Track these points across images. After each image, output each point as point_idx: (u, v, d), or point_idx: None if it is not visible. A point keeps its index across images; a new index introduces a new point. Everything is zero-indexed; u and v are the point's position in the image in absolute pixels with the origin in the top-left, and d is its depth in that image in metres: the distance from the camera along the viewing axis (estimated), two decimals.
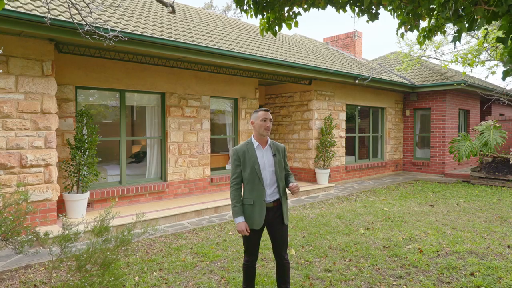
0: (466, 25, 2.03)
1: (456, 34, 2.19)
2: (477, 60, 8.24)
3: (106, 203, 6.82)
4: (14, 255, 4.72)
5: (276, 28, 3.40)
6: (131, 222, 2.47)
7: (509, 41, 1.89)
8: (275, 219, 3.10)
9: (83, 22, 3.90)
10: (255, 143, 3.12)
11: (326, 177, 9.88)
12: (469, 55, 8.28)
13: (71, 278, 1.98)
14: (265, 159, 3.09)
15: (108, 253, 2.07)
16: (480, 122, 12.21)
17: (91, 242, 2.10)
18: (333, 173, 10.62)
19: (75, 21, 4.26)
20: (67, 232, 2.10)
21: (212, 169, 8.75)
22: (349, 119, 11.66)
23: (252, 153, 3.08)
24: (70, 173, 6.04)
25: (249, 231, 3.04)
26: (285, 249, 3.18)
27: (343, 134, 10.98)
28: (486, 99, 14.45)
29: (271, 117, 3.10)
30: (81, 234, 2.19)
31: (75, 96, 6.50)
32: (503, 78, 1.96)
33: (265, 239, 5.09)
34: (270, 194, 3.08)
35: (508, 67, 1.91)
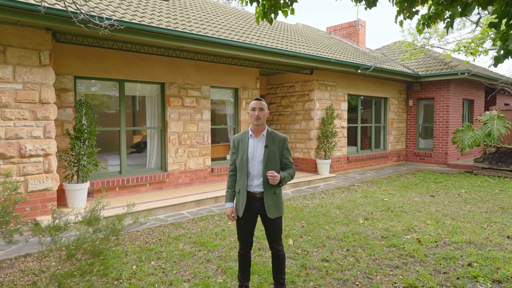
0: (459, 10, 1.96)
1: (448, 20, 2.12)
2: (480, 49, 8.08)
3: (107, 193, 6.85)
4: (14, 244, 4.76)
5: (272, 15, 3.33)
6: (123, 213, 2.47)
7: (503, 25, 1.82)
8: (262, 211, 3.10)
9: (78, 11, 3.85)
10: (249, 133, 3.12)
11: (327, 167, 9.85)
12: (472, 44, 8.12)
13: (60, 267, 1.99)
14: (255, 150, 3.07)
15: (97, 242, 2.08)
16: (484, 112, 12.07)
17: (81, 232, 2.11)
18: (335, 163, 10.59)
19: (70, 9, 4.21)
20: (57, 221, 2.11)
21: (212, 159, 8.75)
22: (351, 109, 11.57)
23: (245, 142, 3.11)
24: (70, 163, 6.06)
25: (235, 217, 3.13)
26: (278, 241, 3.17)
27: (345, 124, 10.91)
28: (490, 88, 14.26)
29: (262, 106, 3.03)
30: (71, 223, 2.20)
31: (74, 86, 6.48)
32: (495, 65, 1.89)
33: (263, 228, 5.10)
34: (258, 185, 3.07)
35: (500, 54, 1.85)
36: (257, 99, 3.06)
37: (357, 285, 3.59)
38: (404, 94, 13.24)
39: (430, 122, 12.87)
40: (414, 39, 11.85)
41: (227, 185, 3.20)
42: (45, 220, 5.21)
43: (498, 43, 1.86)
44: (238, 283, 3.32)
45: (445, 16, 3.56)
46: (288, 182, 8.53)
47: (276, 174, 2.95)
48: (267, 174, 2.95)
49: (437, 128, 12.50)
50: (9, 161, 5.23)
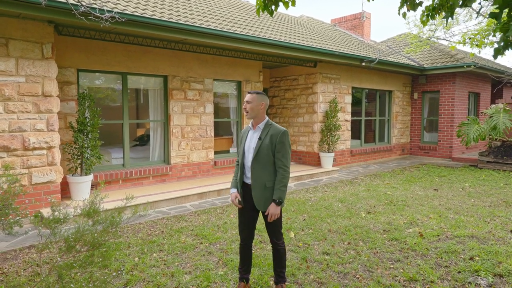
0: (460, 1, 1.92)
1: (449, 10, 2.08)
2: (486, 41, 7.96)
3: (110, 186, 6.90)
4: (19, 236, 4.81)
5: (273, 7, 3.30)
6: (123, 206, 2.48)
7: (504, 16, 1.78)
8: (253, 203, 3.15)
9: (79, 3, 3.84)
10: (250, 125, 3.21)
11: (331, 160, 9.83)
12: (477, 36, 7.99)
13: (59, 259, 2.01)
14: (251, 142, 3.14)
15: (96, 234, 2.10)
16: (490, 105, 11.94)
17: (79, 224, 2.12)
18: (338, 156, 10.56)
19: (71, 1, 4.20)
20: (56, 213, 2.13)
21: (215, 153, 8.76)
22: (355, 102, 11.49)
23: (244, 135, 3.23)
24: (73, 156, 6.10)
25: (240, 202, 3.16)
26: (277, 235, 3.16)
27: (348, 117, 10.85)
28: (497, 81, 14.09)
29: (248, 99, 3.09)
30: (71, 216, 2.21)
31: (76, 79, 6.49)
32: (495, 57, 1.85)
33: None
34: (250, 177, 3.13)
35: (501, 45, 1.81)
36: (248, 92, 3.15)
37: (358, 278, 3.60)
38: (409, 87, 13.12)
39: (435, 116, 12.76)
40: (420, 31, 11.68)
41: (234, 174, 3.32)
42: (49, 212, 5.26)
43: (499, 34, 1.82)
44: (239, 275, 3.33)
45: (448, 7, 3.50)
46: (291, 176, 8.55)
47: (271, 212, 2.96)
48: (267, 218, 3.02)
49: (442, 121, 12.39)
50: (13, 154, 5.27)
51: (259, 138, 3.08)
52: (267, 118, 3.16)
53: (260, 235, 4.79)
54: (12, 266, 3.87)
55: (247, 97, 3.12)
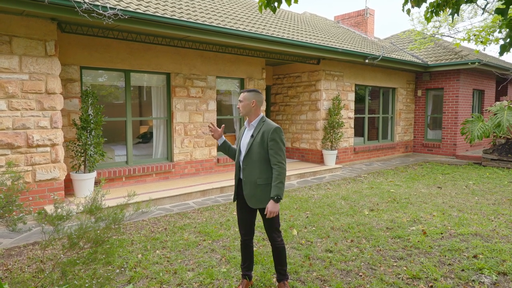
0: None
1: (455, 7, 2.05)
2: (491, 37, 7.89)
3: (113, 183, 6.92)
4: (23, 232, 4.84)
5: (275, 4, 3.28)
6: (125, 203, 2.49)
7: (510, 12, 1.76)
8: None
9: (82, 0, 3.84)
10: (246, 123, 3.23)
11: (334, 158, 9.81)
12: (482, 33, 7.92)
13: (62, 256, 2.03)
14: (244, 139, 3.17)
15: (99, 231, 2.11)
16: (495, 102, 11.85)
17: (82, 221, 2.13)
18: (341, 154, 10.54)
19: None
20: (59, 210, 2.13)
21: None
22: (359, 99, 11.45)
23: (241, 132, 3.26)
24: (77, 153, 6.12)
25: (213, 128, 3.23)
26: (274, 232, 3.15)
27: (351, 115, 10.81)
28: (502, 78, 13.98)
29: (240, 98, 3.14)
30: (74, 213, 2.22)
31: (80, 77, 6.50)
32: (501, 53, 1.83)
33: None
34: None
35: (507, 41, 1.78)
36: (241, 91, 3.20)
37: (361, 275, 3.59)
38: (413, 84, 13.05)
39: (439, 113, 12.70)
40: (424, 28, 11.59)
41: None
42: (52, 209, 5.28)
43: (505, 30, 1.79)
44: (241, 272, 3.34)
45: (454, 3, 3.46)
46: (294, 173, 8.54)
47: (269, 210, 2.93)
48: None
49: (446, 118, 12.33)
50: (16, 151, 5.29)
51: (251, 136, 3.09)
52: (261, 115, 3.16)
53: (262, 233, 4.79)
54: (16, 262, 3.90)
55: (240, 96, 3.15)
